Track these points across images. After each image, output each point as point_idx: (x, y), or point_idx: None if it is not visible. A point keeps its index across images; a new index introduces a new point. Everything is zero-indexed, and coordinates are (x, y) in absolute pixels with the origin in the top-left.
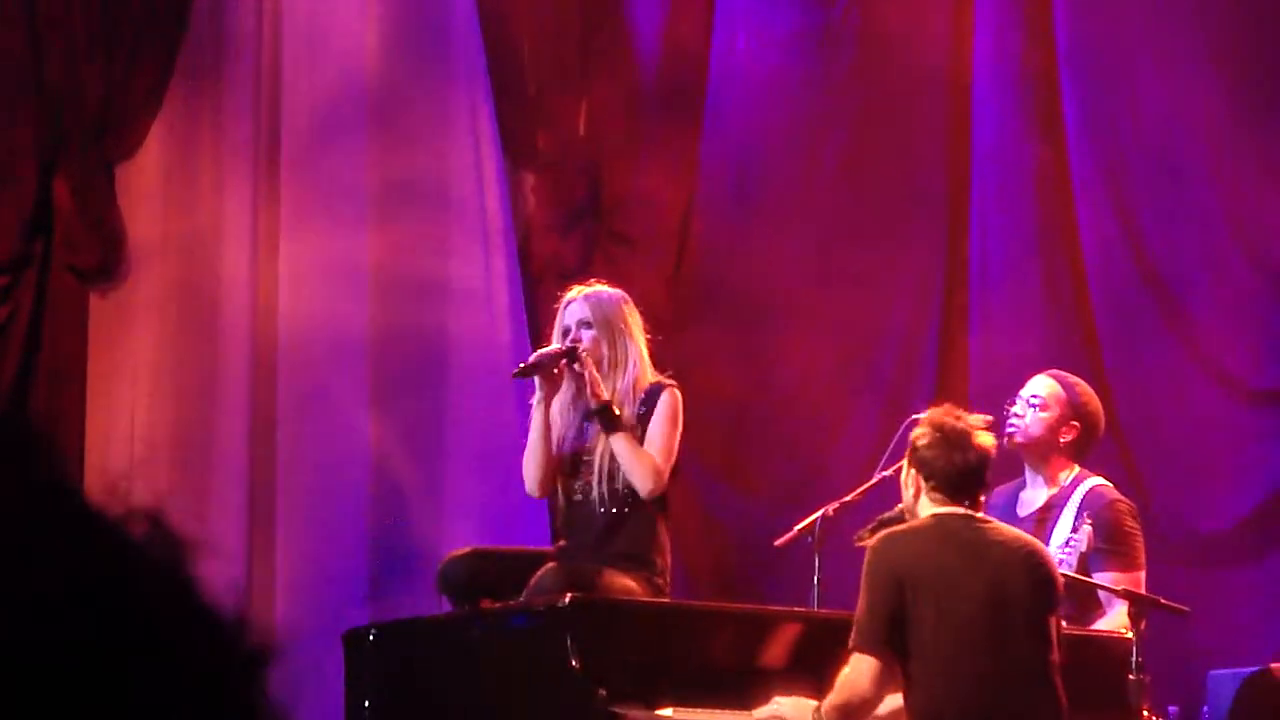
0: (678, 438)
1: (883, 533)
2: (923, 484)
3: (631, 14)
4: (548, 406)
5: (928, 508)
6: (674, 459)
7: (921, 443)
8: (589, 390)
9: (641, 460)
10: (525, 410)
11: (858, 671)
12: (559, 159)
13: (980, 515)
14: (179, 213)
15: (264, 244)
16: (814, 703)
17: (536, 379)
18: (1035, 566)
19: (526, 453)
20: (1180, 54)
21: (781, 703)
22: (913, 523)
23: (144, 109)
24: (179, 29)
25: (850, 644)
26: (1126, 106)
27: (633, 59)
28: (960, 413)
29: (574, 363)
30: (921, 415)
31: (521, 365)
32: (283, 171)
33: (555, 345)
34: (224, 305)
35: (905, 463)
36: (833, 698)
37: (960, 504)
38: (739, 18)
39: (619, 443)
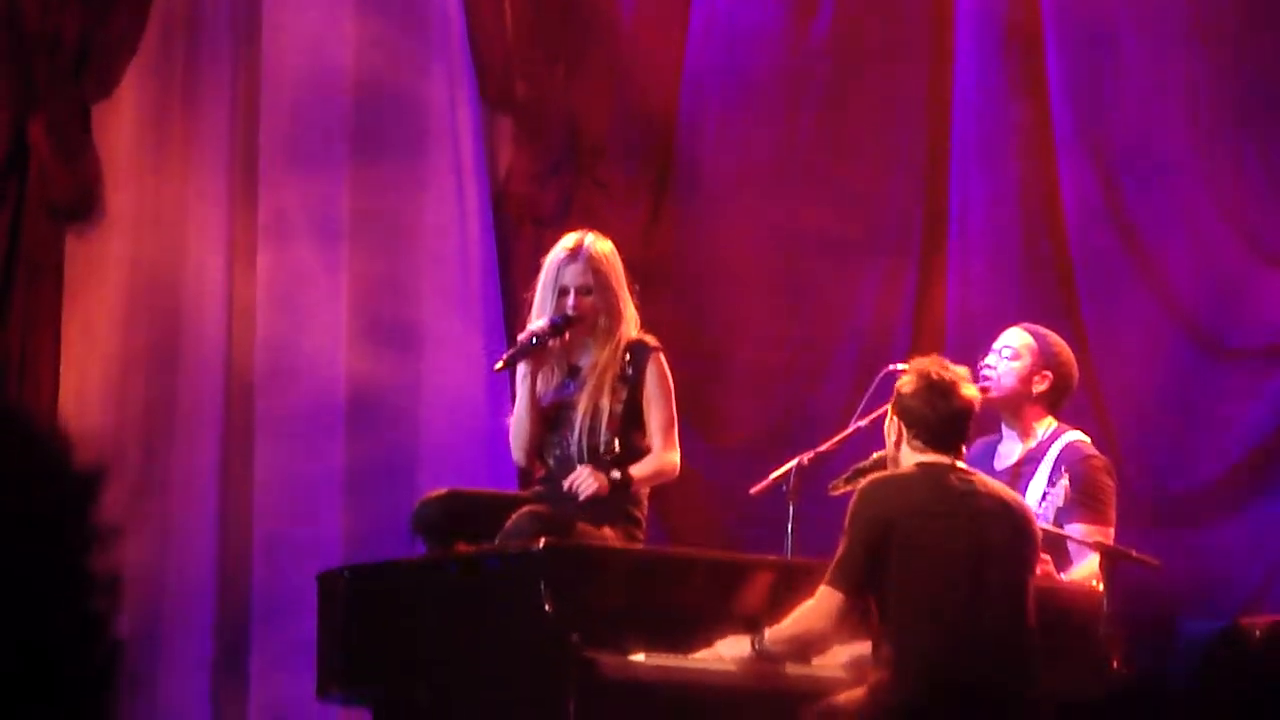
0: (674, 405)
1: (871, 476)
2: (905, 431)
3: None
4: (534, 379)
5: (910, 456)
6: (677, 426)
7: (906, 390)
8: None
9: (664, 473)
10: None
11: (821, 605)
12: (538, 105)
13: (964, 466)
14: (154, 160)
15: (240, 193)
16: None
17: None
18: (1017, 520)
19: (514, 424)
20: (1164, 23)
21: (720, 645)
22: (901, 470)
23: (121, 48)
24: None
25: (824, 579)
26: (1109, 69)
27: (613, 12)
28: (947, 363)
29: (566, 331)
30: (900, 365)
31: (507, 356)
32: (262, 117)
33: (541, 322)
34: (193, 259)
35: (889, 409)
36: (785, 628)
37: (942, 453)
38: None
39: (644, 481)
